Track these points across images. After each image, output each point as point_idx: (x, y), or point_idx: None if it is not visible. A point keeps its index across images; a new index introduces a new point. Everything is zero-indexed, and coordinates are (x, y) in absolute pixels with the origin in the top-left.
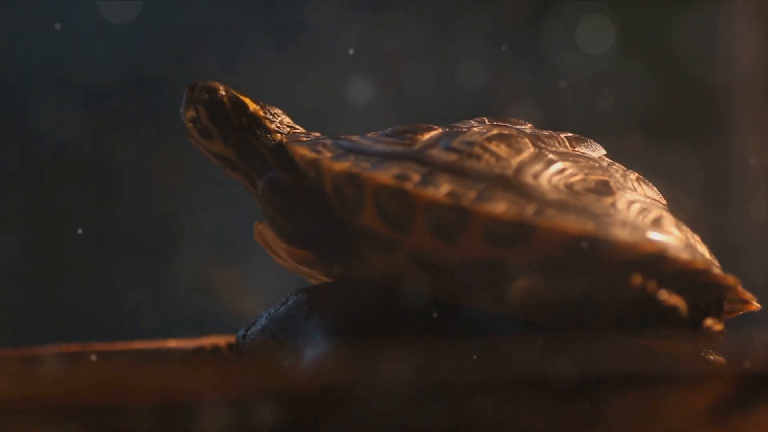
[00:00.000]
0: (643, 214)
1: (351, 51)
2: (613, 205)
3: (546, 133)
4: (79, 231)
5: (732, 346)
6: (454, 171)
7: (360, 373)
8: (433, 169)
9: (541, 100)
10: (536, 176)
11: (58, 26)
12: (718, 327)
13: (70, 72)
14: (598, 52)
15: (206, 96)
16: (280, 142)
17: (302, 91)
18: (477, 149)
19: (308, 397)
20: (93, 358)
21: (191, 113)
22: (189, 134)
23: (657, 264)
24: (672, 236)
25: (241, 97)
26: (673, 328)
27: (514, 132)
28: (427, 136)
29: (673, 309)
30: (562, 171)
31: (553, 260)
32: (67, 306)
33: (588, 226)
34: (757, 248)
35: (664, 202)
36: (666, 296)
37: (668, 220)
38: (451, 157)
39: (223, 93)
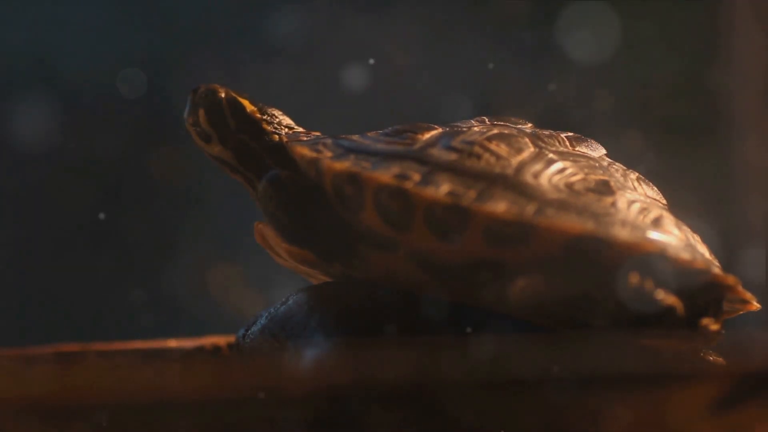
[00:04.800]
0: (643, 213)
1: (349, 52)
2: (614, 204)
3: (546, 132)
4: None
5: (731, 346)
6: (455, 170)
7: (360, 372)
8: (433, 169)
9: (541, 99)
10: (536, 176)
11: (58, 26)
12: (715, 326)
13: (69, 72)
14: (598, 52)
15: (206, 99)
16: (279, 143)
17: (302, 91)
18: (477, 149)
19: (308, 396)
20: (93, 357)
21: (192, 117)
22: (192, 138)
23: (657, 263)
24: (672, 236)
25: (240, 99)
26: (671, 328)
27: (515, 131)
28: (427, 135)
29: (670, 308)
30: (562, 170)
31: (552, 260)
32: (67, 306)
33: (588, 225)
34: (757, 248)
35: (664, 201)
36: (663, 296)
37: (668, 219)
38: (452, 156)
39: (222, 95)
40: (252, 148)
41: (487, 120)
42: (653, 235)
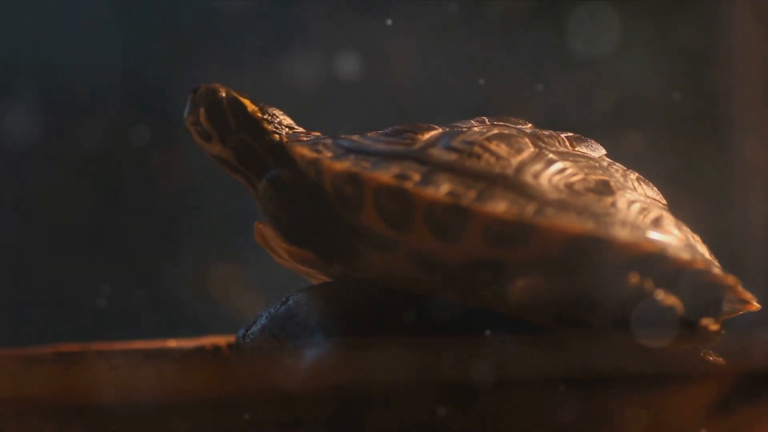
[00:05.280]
0: (643, 213)
1: (349, 52)
2: (614, 204)
3: (546, 132)
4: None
5: (731, 346)
6: (455, 170)
7: (360, 372)
8: (433, 169)
9: (541, 99)
10: (536, 176)
11: (58, 27)
12: (715, 327)
13: (69, 72)
14: (598, 51)
15: (206, 98)
16: (279, 143)
17: (302, 91)
18: (477, 149)
19: (308, 397)
20: (93, 357)
21: (193, 116)
22: (192, 137)
23: (657, 263)
24: (672, 236)
25: (240, 99)
26: (670, 328)
27: (515, 132)
28: (427, 135)
29: (670, 309)
30: (562, 171)
31: (552, 260)
32: (67, 306)
33: (588, 225)
34: (757, 248)
35: (664, 202)
36: (663, 296)
37: (668, 219)
38: (452, 156)
39: (223, 95)
40: (252, 148)
41: (487, 120)
42: (653, 235)
